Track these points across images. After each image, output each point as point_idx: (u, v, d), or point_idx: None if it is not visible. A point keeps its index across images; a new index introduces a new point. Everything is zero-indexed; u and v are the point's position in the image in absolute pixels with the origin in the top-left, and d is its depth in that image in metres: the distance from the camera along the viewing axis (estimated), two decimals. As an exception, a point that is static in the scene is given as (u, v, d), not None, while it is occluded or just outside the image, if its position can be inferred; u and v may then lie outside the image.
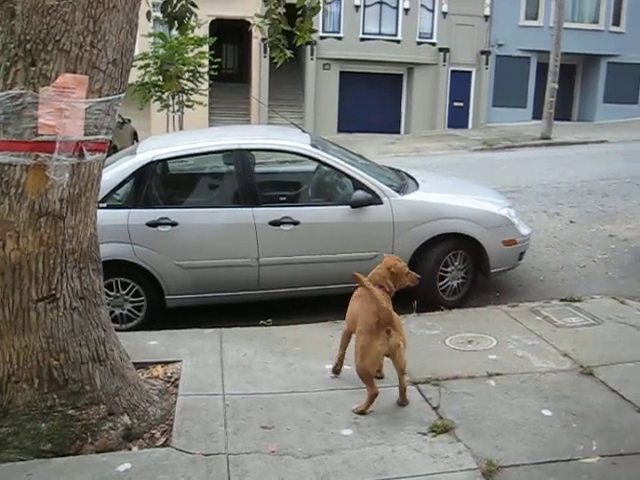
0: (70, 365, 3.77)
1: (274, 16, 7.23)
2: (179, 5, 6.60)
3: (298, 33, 7.35)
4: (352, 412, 4.21)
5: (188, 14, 6.70)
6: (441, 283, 6.58)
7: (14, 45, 3.38)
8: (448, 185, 8.10)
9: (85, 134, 3.59)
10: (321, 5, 7.38)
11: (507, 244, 6.73)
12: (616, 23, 31.24)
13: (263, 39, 7.73)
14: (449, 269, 6.60)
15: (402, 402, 4.31)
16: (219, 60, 22.57)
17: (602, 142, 22.16)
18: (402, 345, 4.18)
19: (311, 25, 7.36)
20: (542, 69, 27.08)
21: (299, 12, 7.22)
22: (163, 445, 3.89)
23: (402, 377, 4.27)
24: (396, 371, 4.26)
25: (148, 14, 5.83)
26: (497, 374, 4.76)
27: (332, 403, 4.37)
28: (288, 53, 7.58)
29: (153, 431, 4.03)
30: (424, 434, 3.97)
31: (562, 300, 6.37)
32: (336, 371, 4.78)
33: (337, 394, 4.50)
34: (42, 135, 3.46)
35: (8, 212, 3.51)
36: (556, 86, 23.36)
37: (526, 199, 11.56)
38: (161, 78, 21.20)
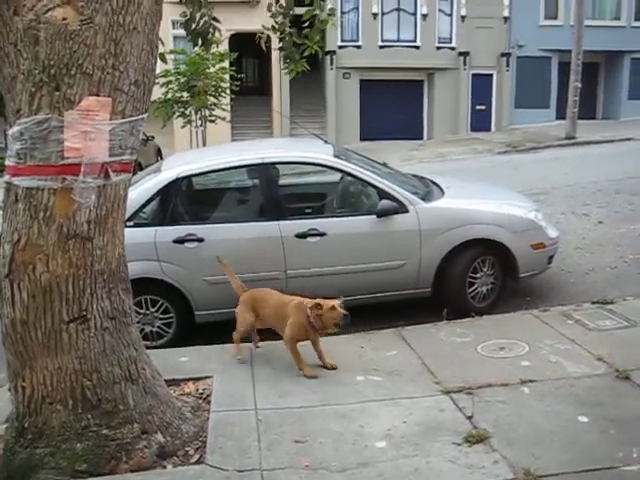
0: (103, 385, 3.80)
1: (286, 28, 7.25)
2: (202, 22, 6.65)
3: (308, 43, 7.34)
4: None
5: (211, 30, 6.74)
6: (470, 289, 6.53)
7: (39, 71, 3.44)
8: (473, 190, 8.03)
9: (110, 155, 3.63)
10: (329, 19, 7.37)
11: (535, 248, 6.66)
12: (638, 18, 30.78)
13: (280, 49, 7.70)
14: (478, 275, 6.54)
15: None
16: (242, 76, 22.71)
17: (628, 140, 21.77)
18: None
19: (319, 38, 7.34)
20: (564, 68, 26.81)
21: (307, 24, 7.20)
22: (197, 462, 3.90)
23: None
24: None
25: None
26: (531, 381, 4.69)
27: (365, 415, 4.34)
28: (303, 64, 7.58)
29: (187, 448, 4.04)
30: (459, 444, 3.93)
31: (594, 303, 6.26)
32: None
33: (370, 406, 4.47)
34: (68, 158, 3.50)
35: (37, 235, 3.55)
36: (579, 85, 23.10)
37: (553, 201, 11.42)
38: (187, 94, 21.39)
